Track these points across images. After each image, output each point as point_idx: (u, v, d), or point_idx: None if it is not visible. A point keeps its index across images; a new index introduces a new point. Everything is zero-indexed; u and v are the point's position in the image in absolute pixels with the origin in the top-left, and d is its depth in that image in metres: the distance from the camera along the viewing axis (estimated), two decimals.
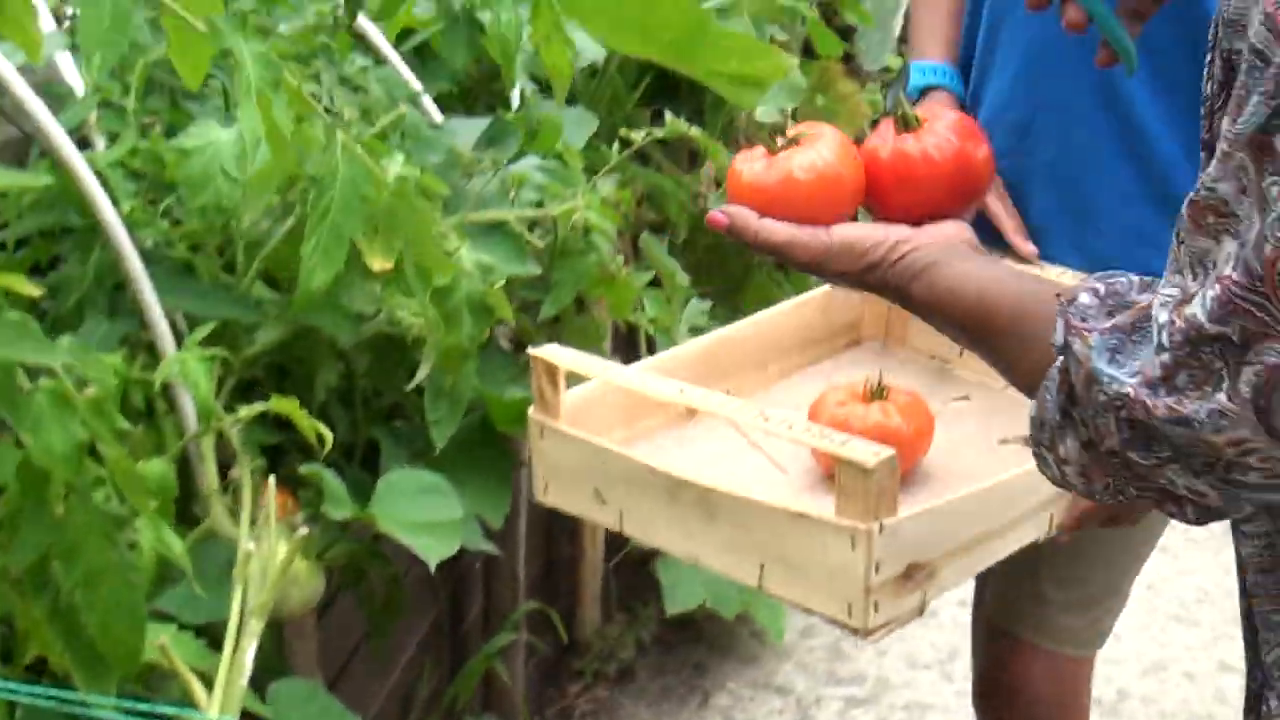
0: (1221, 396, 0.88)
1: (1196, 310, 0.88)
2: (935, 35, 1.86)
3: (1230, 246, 0.87)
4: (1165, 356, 0.90)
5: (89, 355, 1.34)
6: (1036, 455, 1.05)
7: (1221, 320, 0.86)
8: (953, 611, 3.50)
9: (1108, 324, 0.96)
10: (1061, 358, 0.99)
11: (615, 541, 3.14)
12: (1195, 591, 3.69)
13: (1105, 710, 3.17)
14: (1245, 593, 1.21)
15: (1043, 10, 1.26)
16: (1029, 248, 1.77)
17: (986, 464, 1.58)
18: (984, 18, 1.81)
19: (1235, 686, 3.29)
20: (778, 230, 1.22)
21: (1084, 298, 0.99)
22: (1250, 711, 1.25)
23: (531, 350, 1.57)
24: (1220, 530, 3.90)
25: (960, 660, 3.31)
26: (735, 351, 1.78)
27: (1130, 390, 0.91)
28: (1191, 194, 0.90)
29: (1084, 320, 0.97)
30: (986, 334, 1.12)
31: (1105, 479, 0.99)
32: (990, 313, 1.11)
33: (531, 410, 1.59)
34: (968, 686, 3.08)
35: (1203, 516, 0.99)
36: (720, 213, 1.25)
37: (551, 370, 1.55)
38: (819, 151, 1.27)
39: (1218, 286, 0.86)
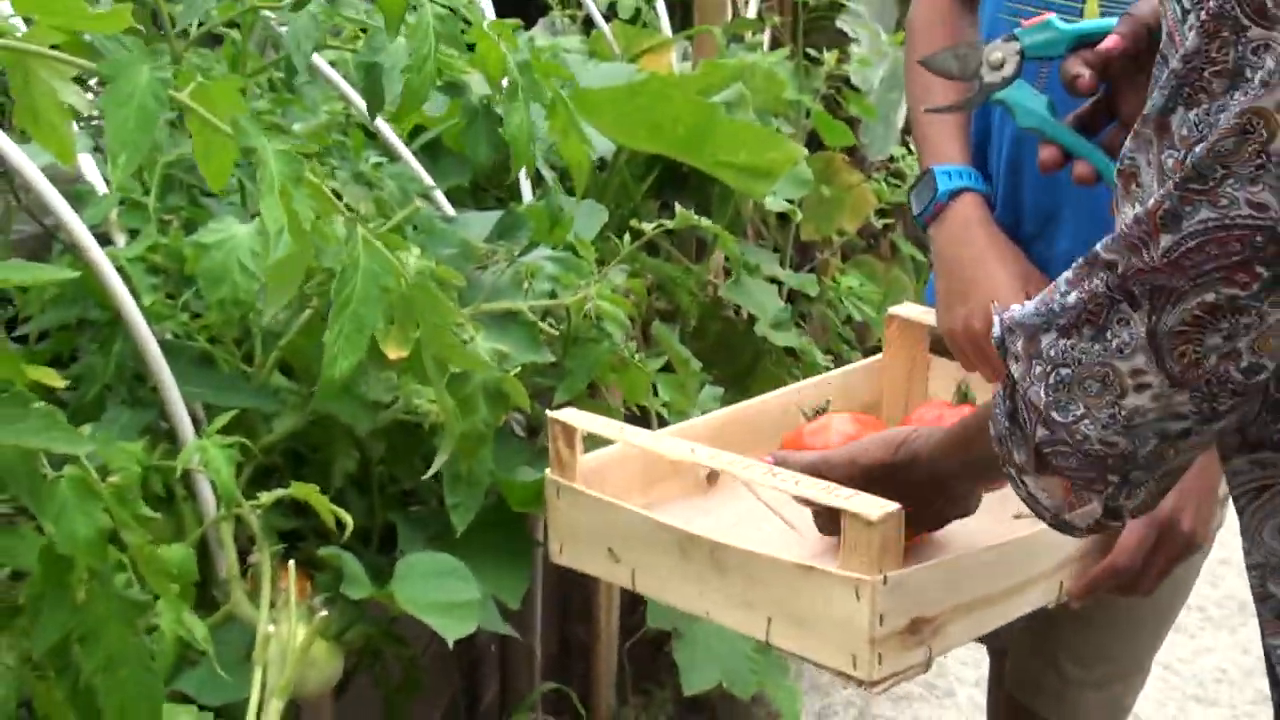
0: (1122, 315, 1.06)
1: (1099, 248, 1.08)
2: (951, 138, 1.90)
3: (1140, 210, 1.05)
4: (1068, 280, 1.11)
5: (112, 444, 1.39)
6: (1009, 478, 1.22)
7: (1112, 250, 1.06)
8: (969, 692, 3.52)
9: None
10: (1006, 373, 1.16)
11: (629, 623, 3.17)
12: (1213, 671, 3.69)
13: None
14: (1263, 630, 1.27)
15: (1054, 173, 1.43)
16: None
17: (999, 536, 1.61)
18: (1005, 148, 1.88)
19: None
20: (814, 452, 1.51)
21: (1014, 307, 1.19)
22: None
23: (550, 413, 1.62)
24: (1236, 608, 3.92)
25: None
26: (750, 427, 1.82)
27: (1052, 305, 1.11)
28: (1118, 165, 1.08)
29: (1013, 313, 1.16)
30: (975, 446, 1.29)
31: (1056, 479, 1.16)
32: (973, 429, 1.32)
33: (548, 471, 1.63)
34: None
35: (1122, 484, 1.14)
36: (769, 457, 1.53)
37: (569, 432, 1.60)
38: (856, 421, 1.66)
39: (1116, 229, 1.06)
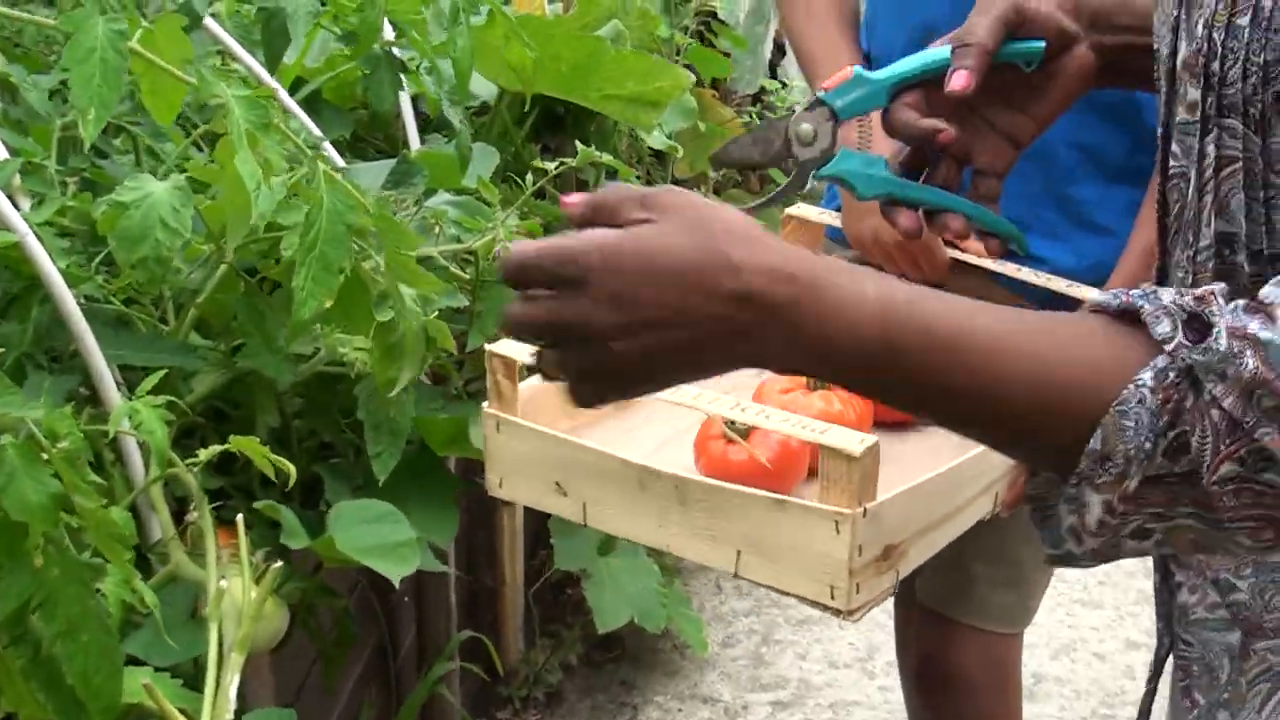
0: None
1: None
2: (843, 53, 1.93)
3: None
4: None
5: (56, 411, 1.36)
6: (1050, 504, 0.94)
7: None
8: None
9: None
10: (1162, 374, 0.88)
11: (534, 568, 3.19)
12: (1098, 574, 3.80)
13: (1023, 694, 3.25)
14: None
15: (917, 238, 1.25)
16: None
17: (924, 447, 1.65)
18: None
19: (1142, 662, 3.39)
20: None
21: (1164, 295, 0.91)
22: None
23: (488, 346, 1.61)
24: None
25: (879, 657, 3.39)
26: None
27: None
28: None
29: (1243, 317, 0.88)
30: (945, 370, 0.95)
31: (1140, 515, 0.91)
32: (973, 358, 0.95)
33: (486, 405, 1.62)
34: (889, 682, 3.16)
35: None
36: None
37: (509, 365, 1.59)
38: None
39: None
